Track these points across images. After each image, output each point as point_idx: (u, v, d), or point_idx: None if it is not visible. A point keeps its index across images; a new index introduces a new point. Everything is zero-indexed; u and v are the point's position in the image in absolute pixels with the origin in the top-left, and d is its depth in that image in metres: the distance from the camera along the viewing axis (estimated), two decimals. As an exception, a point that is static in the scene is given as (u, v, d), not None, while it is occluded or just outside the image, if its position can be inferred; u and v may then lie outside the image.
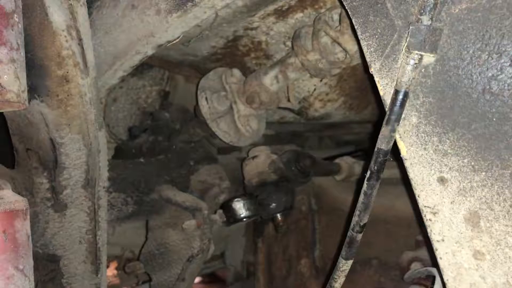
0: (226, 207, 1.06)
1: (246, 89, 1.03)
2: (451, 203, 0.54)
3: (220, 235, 1.31)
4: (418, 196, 0.57)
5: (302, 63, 0.92)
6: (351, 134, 1.74)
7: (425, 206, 0.56)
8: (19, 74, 0.60)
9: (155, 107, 1.34)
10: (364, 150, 1.66)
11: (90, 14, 0.82)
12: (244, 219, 1.05)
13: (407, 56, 0.54)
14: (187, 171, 1.15)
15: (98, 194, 0.85)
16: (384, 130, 0.57)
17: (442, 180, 0.55)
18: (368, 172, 0.60)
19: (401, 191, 1.00)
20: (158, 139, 1.17)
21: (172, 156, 1.15)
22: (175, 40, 0.84)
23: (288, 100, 1.05)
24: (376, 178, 0.60)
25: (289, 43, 0.99)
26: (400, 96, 0.55)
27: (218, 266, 1.54)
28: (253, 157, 1.13)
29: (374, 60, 0.59)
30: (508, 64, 0.50)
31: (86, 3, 0.78)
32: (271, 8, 0.90)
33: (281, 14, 0.92)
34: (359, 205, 0.63)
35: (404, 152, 0.57)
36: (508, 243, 0.51)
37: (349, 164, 1.33)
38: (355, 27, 0.61)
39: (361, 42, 0.60)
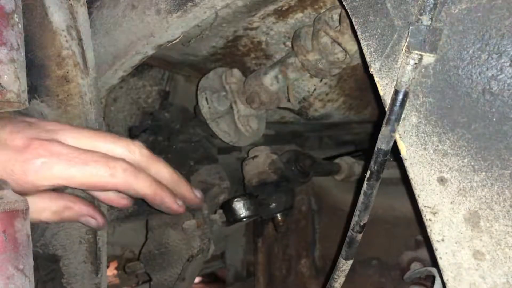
0: (226, 207, 1.05)
1: (246, 89, 1.03)
2: (451, 203, 0.54)
3: (220, 235, 1.31)
4: (418, 196, 0.57)
5: (302, 63, 0.92)
6: (351, 134, 1.74)
7: (425, 206, 0.56)
8: (19, 74, 0.60)
9: (155, 107, 1.34)
10: (364, 150, 1.65)
11: (90, 14, 0.82)
12: (244, 219, 1.05)
13: (407, 56, 0.54)
14: (187, 171, 1.15)
15: (98, 194, 0.85)
16: (384, 130, 0.57)
17: (442, 180, 0.55)
18: (368, 172, 0.60)
19: (401, 191, 1.00)
20: (158, 139, 1.16)
21: (172, 156, 1.15)
22: (175, 40, 0.84)
23: (288, 100, 1.05)
24: (376, 178, 0.60)
25: (289, 43, 0.99)
26: (400, 96, 0.55)
27: (218, 266, 1.54)
28: (253, 157, 1.13)
29: (374, 60, 0.59)
30: (508, 64, 0.50)
31: (86, 3, 0.78)
32: (271, 8, 0.90)
33: (281, 14, 0.92)
34: (359, 205, 0.63)
35: (404, 152, 0.57)
36: (508, 243, 0.51)
37: (349, 164, 1.33)
38: (355, 27, 0.61)
39: (361, 42, 0.60)
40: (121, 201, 0.71)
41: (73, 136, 0.63)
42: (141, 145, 0.67)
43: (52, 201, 0.64)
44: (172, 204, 0.69)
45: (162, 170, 0.68)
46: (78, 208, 0.65)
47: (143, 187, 0.64)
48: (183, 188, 0.71)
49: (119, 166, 0.61)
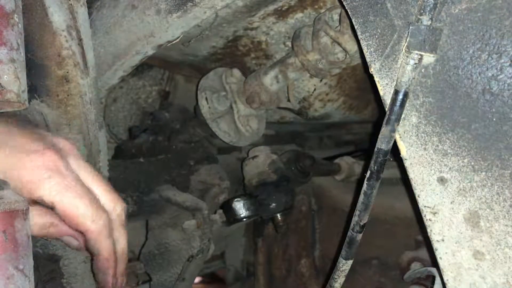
0: (226, 207, 1.05)
1: (246, 89, 1.03)
2: (451, 203, 0.54)
3: (220, 235, 1.31)
4: (418, 196, 0.57)
5: (302, 63, 0.92)
6: (351, 134, 1.74)
7: (425, 206, 0.56)
8: (19, 74, 0.60)
9: (155, 107, 1.34)
10: (364, 150, 1.65)
11: (90, 14, 0.82)
12: (244, 219, 1.05)
13: (407, 56, 0.54)
14: (187, 171, 1.15)
15: (98, 194, 0.85)
16: (384, 130, 0.57)
17: (442, 180, 0.55)
18: (368, 172, 0.60)
19: (401, 191, 1.00)
20: (158, 139, 1.17)
21: (172, 156, 1.15)
22: (175, 40, 0.84)
23: (288, 100, 1.05)
24: (376, 178, 0.60)
25: (289, 43, 0.99)
26: (400, 96, 0.55)
27: (218, 266, 1.54)
28: (253, 157, 1.13)
29: (374, 60, 0.59)
30: (508, 64, 0.50)
31: (86, 3, 0.78)
32: (271, 8, 0.90)
33: (281, 14, 0.92)
34: (359, 205, 0.63)
35: (404, 152, 0.57)
36: (508, 243, 0.51)
37: (349, 164, 1.33)
38: (355, 27, 0.61)
39: (361, 42, 0.60)
40: (73, 242, 0.71)
41: (77, 165, 0.65)
42: (124, 208, 0.69)
43: (42, 217, 0.64)
44: (111, 279, 0.68)
45: (122, 242, 0.69)
46: (63, 226, 0.65)
47: (104, 248, 0.65)
48: (122, 269, 0.70)
49: (103, 219, 0.63)
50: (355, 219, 0.64)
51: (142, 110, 1.33)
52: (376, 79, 0.59)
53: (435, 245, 0.56)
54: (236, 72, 1.07)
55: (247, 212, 1.04)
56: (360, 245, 0.66)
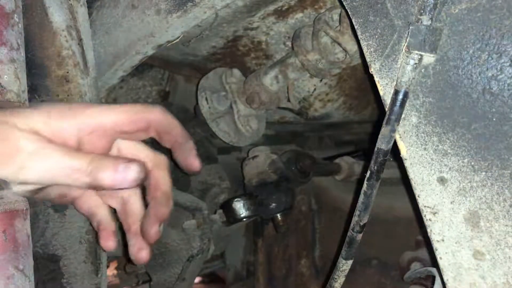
0: (226, 207, 1.06)
1: (246, 89, 1.03)
2: (451, 203, 0.54)
3: (220, 235, 1.31)
4: (418, 196, 0.57)
5: (302, 63, 0.92)
6: (351, 134, 1.74)
7: (425, 206, 0.56)
8: (19, 74, 0.60)
9: (155, 107, 1.34)
10: (364, 150, 1.66)
11: (90, 14, 0.82)
12: (244, 219, 1.05)
13: (407, 56, 0.54)
14: (187, 171, 1.15)
15: (98, 194, 0.85)
16: (384, 130, 0.57)
17: (442, 180, 0.55)
18: (368, 172, 0.60)
19: (401, 191, 1.00)
20: (158, 139, 1.16)
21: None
22: (175, 40, 0.84)
23: (288, 100, 1.05)
24: (376, 178, 0.60)
25: (289, 43, 0.99)
26: (400, 96, 0.55)
27: (218, 266, 1.54)
28: (253, 157, 1.13)
29: (374, 60, 0.59)
30: (508, 64, 0.50)
31: (86, 3, 0.78)
32: (271, 8, 0.90)
33: (281, 14, 0.92)
34: (359, 205, 0.63)
35: (404, 152, 0.57)
36: (508, 243, 0.51)
37: (349, 164, 1.33)
38: (355, 27, 0.61)
39: (361, 42, 0.60)
40: (109, 243, 0.69)
41: None
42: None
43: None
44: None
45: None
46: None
47: (177, 122, 0.64)
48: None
49: (156, 106, 0.63)
50: (355, 219, 0.64)
51: (142, 110, 1.33)
52: (376, 79, 0.59)
53: (435, 245, 0.56)
54: (236, 72, 1.07)
55: (247, 212, 1.04)
56: (360, 245, 0.66)
